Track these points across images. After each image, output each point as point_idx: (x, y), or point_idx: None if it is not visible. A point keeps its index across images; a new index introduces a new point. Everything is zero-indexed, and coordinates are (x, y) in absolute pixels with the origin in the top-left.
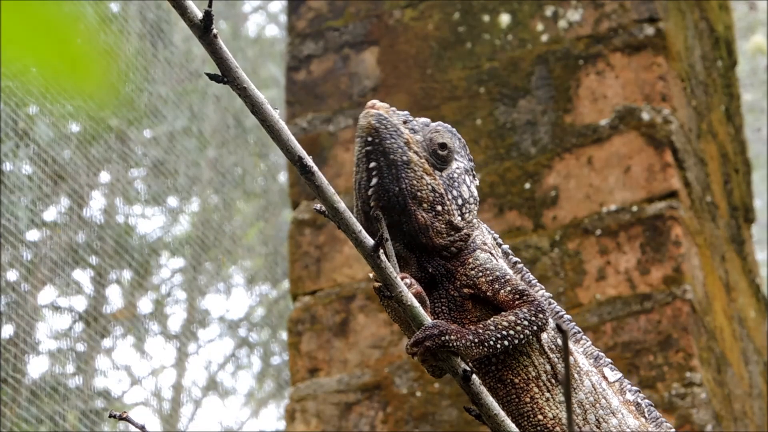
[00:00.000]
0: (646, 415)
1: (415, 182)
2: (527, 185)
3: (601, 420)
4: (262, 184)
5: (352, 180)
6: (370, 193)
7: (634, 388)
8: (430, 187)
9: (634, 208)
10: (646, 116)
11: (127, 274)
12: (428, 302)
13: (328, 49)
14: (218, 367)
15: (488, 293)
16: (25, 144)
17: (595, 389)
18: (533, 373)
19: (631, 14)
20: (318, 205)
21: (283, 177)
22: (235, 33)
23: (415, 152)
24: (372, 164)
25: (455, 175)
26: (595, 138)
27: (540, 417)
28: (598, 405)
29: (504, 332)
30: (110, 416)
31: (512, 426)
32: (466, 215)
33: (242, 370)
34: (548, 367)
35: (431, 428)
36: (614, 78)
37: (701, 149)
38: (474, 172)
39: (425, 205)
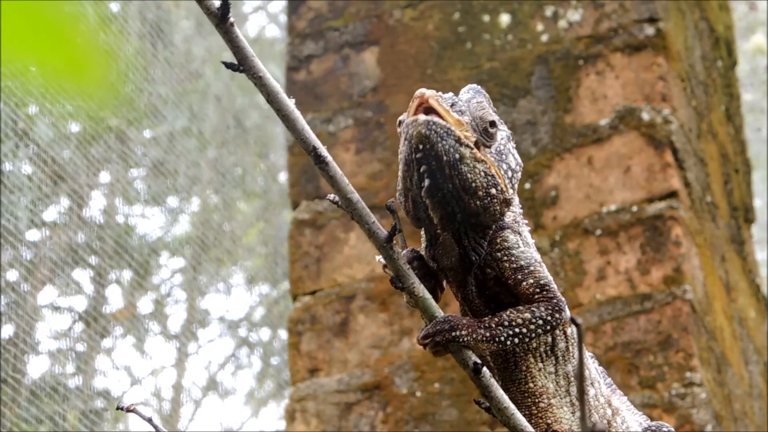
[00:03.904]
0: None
1: (468, 175)
2: (527, 185)
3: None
4: (262, 184)
5: (399, 175)
6: (423, 193)
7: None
8: (483, 173)
9: (634, 208)
10: (646, 116)
11: (127, 274)
12: (438, 293)
13: (328, 49)
14: (218, 367)
15: (509, 281)
16: (25, 144)
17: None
18: (533, 345)
19: (631, 14)
20: (332, 196)
21: (283, 177)
22: None
23: (467, 145)
24: (423, 168)
25: (501, 147)
26: (595, 138)
27: (531, 385)
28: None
29: (516, 329)
30: (118, 408)
31: (522, 419)
32: (515, 184)
33: (242, 370)
34: (549, 339)
35: (431, 428)
36: (614, 78)
37: (701, 149)
38: (510, 134)
39: (480, 192)
